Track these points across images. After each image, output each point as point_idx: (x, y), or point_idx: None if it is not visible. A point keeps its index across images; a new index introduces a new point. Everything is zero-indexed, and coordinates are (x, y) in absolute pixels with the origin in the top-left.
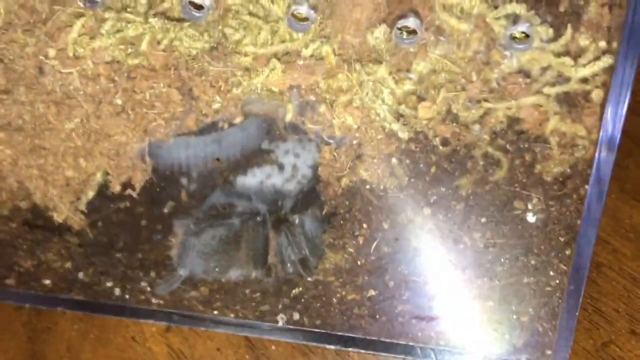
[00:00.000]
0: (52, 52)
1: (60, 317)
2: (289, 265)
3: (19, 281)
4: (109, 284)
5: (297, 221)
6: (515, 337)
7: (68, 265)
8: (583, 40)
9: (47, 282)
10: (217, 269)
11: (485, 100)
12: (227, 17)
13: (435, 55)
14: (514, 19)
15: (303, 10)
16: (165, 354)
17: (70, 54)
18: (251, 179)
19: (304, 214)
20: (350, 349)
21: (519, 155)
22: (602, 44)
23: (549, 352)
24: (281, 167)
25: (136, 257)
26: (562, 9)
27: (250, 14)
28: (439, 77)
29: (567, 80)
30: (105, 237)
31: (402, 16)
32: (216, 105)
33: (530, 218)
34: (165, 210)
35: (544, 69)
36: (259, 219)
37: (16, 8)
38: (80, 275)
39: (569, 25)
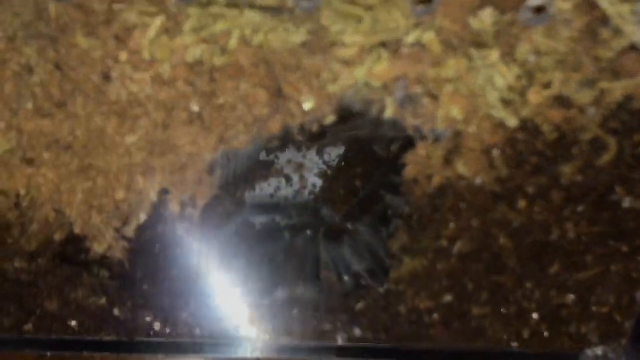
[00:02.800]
0: (123, 56)
1: None
2: (347, 278)
3: (39, 326)
4: (148, 319)
5: (359, 229)
6: (592, 330)
7: (102, 301)
8: None
9: (74, 323)
10: (264, 289)
11: (599, 81)
12: (325, 7)
13: (541, 37)
14: None
15: None
16: None
17: (146, 57)
18: (260, 194)
19: (364, 221)
20: None
21: (628, 137)
22: None
23: (624, 341)
24: (288, 179)
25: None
26: None
27: (352, 2)
28: (546, 60)
29: None
30: (148, 267)
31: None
32: (308, 105)
33: (629, 203)
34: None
35: None
36: (308, 232)
37: (71, 10)
38: (116, 311)
39: None
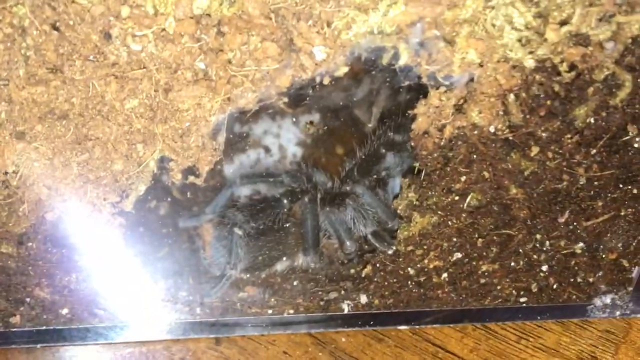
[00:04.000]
0: (125, 11)
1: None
2: (349, 243)
3: (28, 317)
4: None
5: (359, 191)
6: (599, 280)
7: (95, 286)
8: None
9: (65, 311)
10: (263, 263)
11: (616, 15)
12: None
13: None
14: None
15: None
16: None
17: (150, 10)
18: (239, 167)
19: (364, 183)
20: (427, 326)
21: None
22: None
23: (630, 288)
24: (267, 150)
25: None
26: None
27: None
28: None
29: None
30: (148, 243)
31: None
32: (321, 56)
33: (638, 143)
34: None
35: None
36: (306, 199)
37: None
38: (108, 297)
39: None
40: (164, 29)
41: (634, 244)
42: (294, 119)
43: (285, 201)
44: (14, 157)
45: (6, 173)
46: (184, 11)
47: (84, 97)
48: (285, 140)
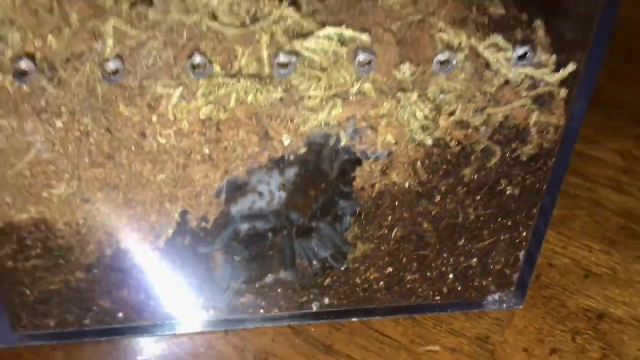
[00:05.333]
0: (154, 118)
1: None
2: (315, 262)
3: (95, 320)
4: (176, 305)
5: (322, 227)
6: (490, 283)
7: (142, 297)
8: (544, 56)
9: (120, 314)
10: (256, 277)
11: (486, 108)
12: (294, 72)
13: (444, 80)
14: (498, 47)
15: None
16: (232, 351)
17: (170, 117)
18: (241, 207)
19: (324, 220)
20: (371, 318)
21: (508, 145)
22: (553, 57)
23: (512, 288)
24: (260, 194)
25: (199, 278)
26: (518, 36)
27: (312, 67)
28: (449, 96)
29: (541, 84)
30: (177, 265)
31: (439, 52)
32: (287, 142)
33: (511, 191)
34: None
35: (524, 79)
36: (285, 232)
37: (113, 87)
38: (151, 303)
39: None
40: (180, 129)
41: (512, 258)
42: (279, 174)
43: (270, 235)
44: (82, 214)
45: (78, 224)
46: (194, 117)
47: (128, 174)
48: (273, 187)
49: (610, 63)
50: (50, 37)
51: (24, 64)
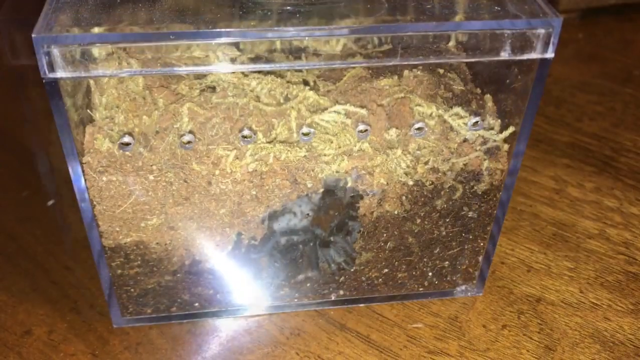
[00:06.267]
0: (217, 172)
1: (206, 322)
2: (333, 265)
3: (179, 308)
4: (229, 297)
5: (337, 240)
6: (458, 278)
7: (211, 292)
8: (492, 120)
9: (197, 304)
10: (291, 276)
11: (451, 158)
12: (314, 138)
13: (421, 140)
14: (459, 115)
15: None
16: (275, 329)
17: (228, 171)
18: (281, 224)
19: (339, 235)
20: (373, 304)
21: (468, 183)
22: (499, 121)
23: (474, 281)
24: (295, 214)
25: (254, 277)
26: (474, 106)
27: (326, 132)
28: (424, 151)
29: (490, 141)
30: (234, 270)
31: (416, 121)
32: (310, 185)
33: (471, 215)
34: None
35: (477, 137)
36: (311, 243)
37: (188, 151)
38: (218, 296)
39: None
40: (235, 178)
41: (474, 260)
42: (308, 199)
43: (301, 246)
44: (169, 237)
45: (165, 244)
46: (244, 170)
47: (200, 209)
48: (303, 209)
49: (545, 110)
50: (144, 117)
51: (127, 138)
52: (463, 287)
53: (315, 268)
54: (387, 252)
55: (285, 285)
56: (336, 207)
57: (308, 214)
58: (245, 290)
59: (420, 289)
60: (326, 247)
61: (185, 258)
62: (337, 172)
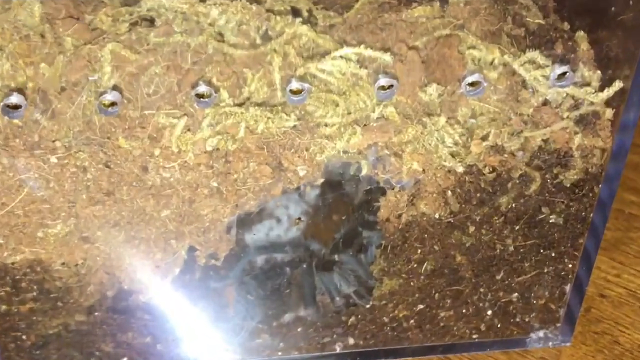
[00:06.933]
0: (157, 151)
1: None
2: (338, 299)
3: None
4: (185, 349)
5: (345, 260)
6: (533, 319)
7: (148, 340)
8: (588, 72)
9: (125, 359)
10: (273, 316)
11: (523, 131)
12: (309, 97)
13: (476, 102)
14: (535, 64)
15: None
16: None
17: (174, 150)
18: (257, 235)
19: (347, 252)
20: (401, 359)
21: (549, 170)
22: (598, 73)
23: (558, 324)
24: (278, 220)
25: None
26: (559, 50)
27: (329, 90)
28: (481, 119)
29: (585, 104)
30: (183, 306)
31: (465, 76)
32: (302, 172)
33: (554, 219)
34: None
35: (565, 99)
36: (304, 265)
37: (111, 118)
38: (159, 346)
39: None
40: (185, 162)
41: (557, 292)
42: (299, 197)
43: (288, 269)
44: (81, 253)
45: (76, 265)
46: (200, 148)
47: (130, 210)
48: (292, 211)
49: None
50: (42, 64)
51: (14, 98)
52: (541, 333)
53: (311, 303)
54: (422, 278)
55: (263, 331)
56: (343, 209)
57: (299, 219)
58: (200, 339)
59: (474, 336)
60: (328, 271)
61: (106, 287)
62: (344, 152)
